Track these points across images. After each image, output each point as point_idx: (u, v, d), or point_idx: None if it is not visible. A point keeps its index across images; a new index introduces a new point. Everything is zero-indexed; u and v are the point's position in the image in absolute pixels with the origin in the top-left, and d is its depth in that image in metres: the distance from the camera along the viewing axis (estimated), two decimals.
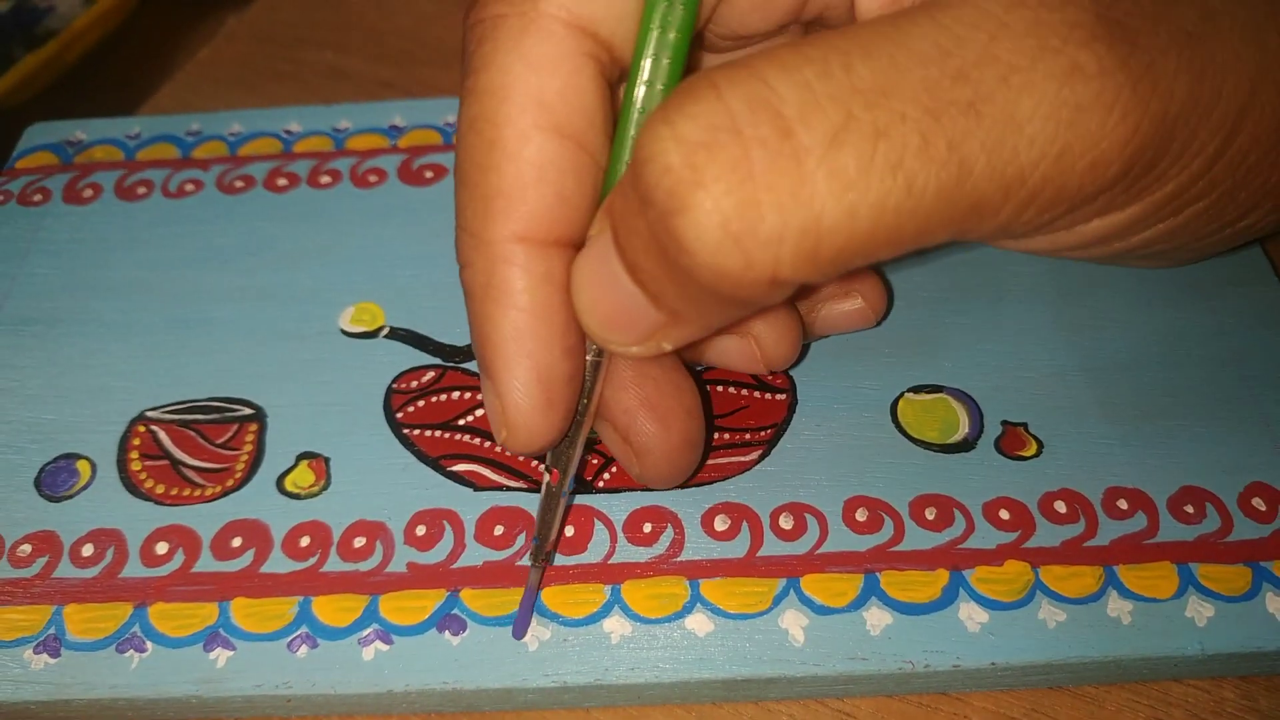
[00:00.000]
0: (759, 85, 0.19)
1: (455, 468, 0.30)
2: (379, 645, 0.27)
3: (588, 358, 0.25)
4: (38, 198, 0.38)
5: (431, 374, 0.32)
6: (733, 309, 0.22)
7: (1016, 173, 0.19)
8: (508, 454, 0.30)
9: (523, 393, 0.23)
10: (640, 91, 0.23)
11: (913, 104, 0.18)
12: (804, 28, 0.27)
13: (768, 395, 0.32)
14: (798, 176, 0.18)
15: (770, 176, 0.18)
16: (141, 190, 0.38)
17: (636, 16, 0.23)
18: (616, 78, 0.24)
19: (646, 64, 0.22)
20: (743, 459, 0.30)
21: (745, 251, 0.19)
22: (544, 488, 0.26)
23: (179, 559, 0.29)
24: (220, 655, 0.27)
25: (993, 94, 0.19)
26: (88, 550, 0.29)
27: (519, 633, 0.27)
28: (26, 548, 0.29)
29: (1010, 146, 0.19)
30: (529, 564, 0.27)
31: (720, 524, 0.29)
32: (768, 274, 0.19)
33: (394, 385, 0.32)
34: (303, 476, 0.30)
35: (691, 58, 0.24)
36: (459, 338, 0.33)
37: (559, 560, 0.28)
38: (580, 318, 0.23)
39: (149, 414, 0.32)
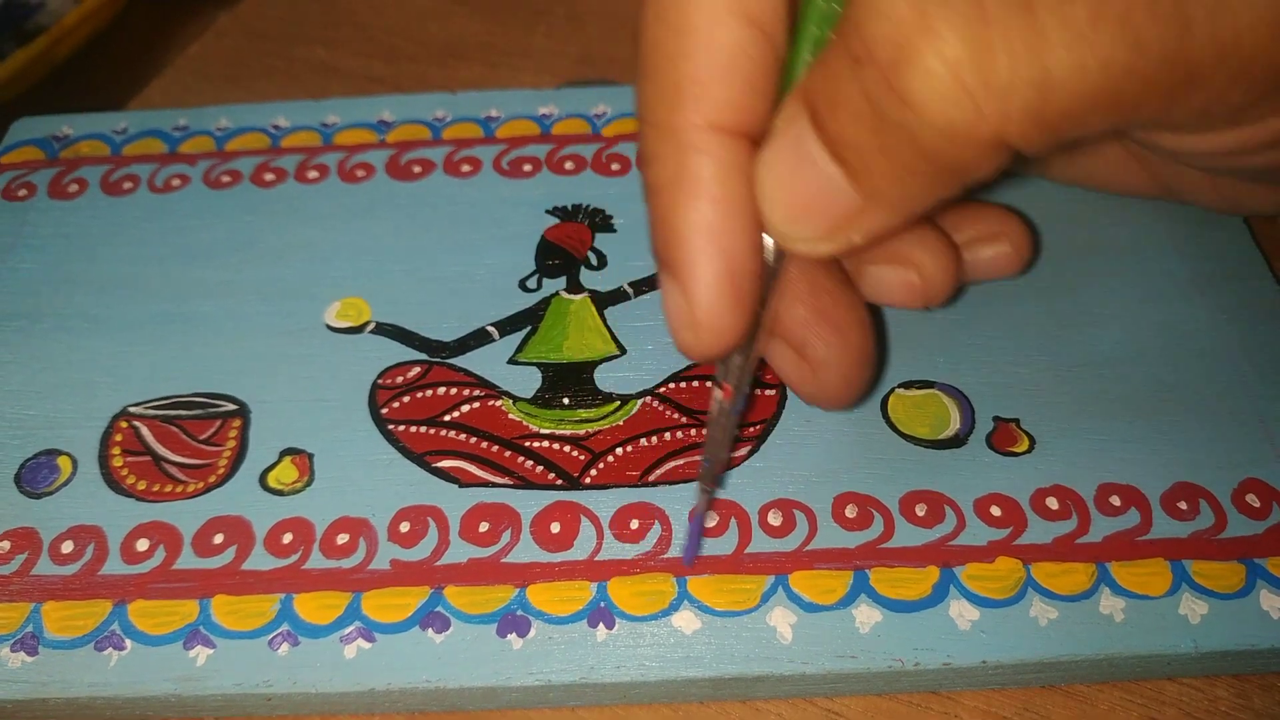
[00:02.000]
0: None
1: (440, 464, 0.30)
2: (361, 643, 0.27)
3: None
4: (23, 192, 0.37)
5: (417, 369, 0.32)
6: (941, 182, 0.21)
7: (1233, 37, 0.19)
8: (689, 357, 0.25)
9: (713, 287, 0.22)
10: None
11: None
12: None
13: (757, 391, 0.31)
14: (1031, 25, 0.18)
15: (1005, 23, 0.18)
16: (128, 185, 0.38)
17: None
18: None
19: None
20: (732, 455, 0.30)
21: (975, 103, 0.18)
22: (714, 405, 0.25)
23: (160, 556, 0.28)
24: (200, 653, 0.27)
25: None
26: (67, 547, 0.29)
27: (688, 559, 0.27)
28: (5, 544, 0.29)
29: (1230, 8, 0.19)
30: (697, 487, 0.27)
31: (709, 520, 0.29)
32: (993, 130, 0.19)
33: (379, 381, 0.32)
34: (286, 473, 0.30)
35: None
36: (445, 333, 0.33)
37: (544, 557, 0.28)
38: (764, 211, 0.22)
39: (131, 410, 0.31)
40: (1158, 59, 0.19)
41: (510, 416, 0.31)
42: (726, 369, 0.25)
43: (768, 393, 0.31)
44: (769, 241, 0.23)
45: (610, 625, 0.27)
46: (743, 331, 0.23)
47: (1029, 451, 0.30)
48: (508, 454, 0.30)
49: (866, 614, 0.27)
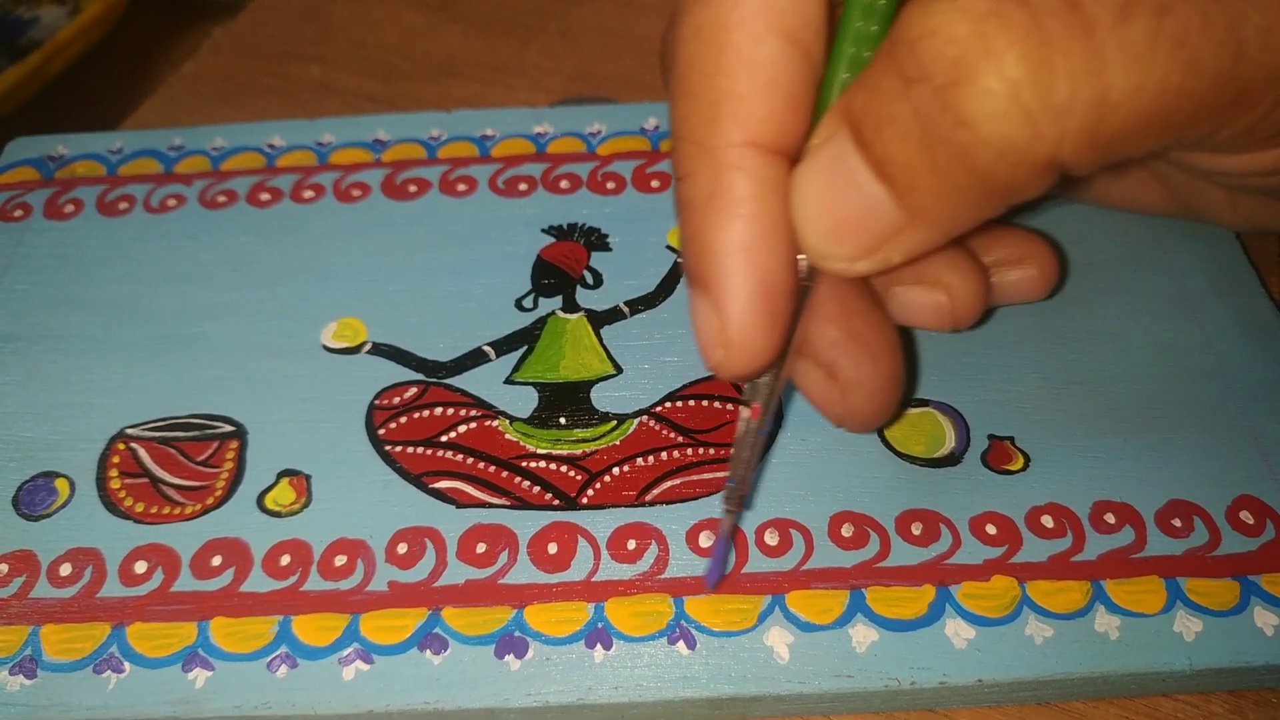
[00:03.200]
0: None
1: (437, 485, 0.30)
2: (360, 665, 0.27)
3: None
4: (18, 213, 0.38)
5: (414, 390, 0.32)
6: (988, 202, 0.21)
7: None
8: (719, 375, 0.26)
9: (747, 305, 0.22)
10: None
11: None
12: None
13: None
14: (1091, 46, 0.18)
15: (1065, 44, 0.18)
16: (123, 205, 0.38)
17: None
18: None
19: None
20: (728, 474, 0.30)
21: (1033, 122, 0.18)
22: (741, 425, 0.25)
23: (158, 578, 0.28)
24: (199, 675, 0.27)
25: None
26: (66, 569, 0.29)
27: (712, 582, 0.27)
28: (3, 567, 0.29)
29: None
30: (722, 508, 0.27)
31: (705, 540, 0.29)
32: (1049, 150, 0.19)
33: (376, 401, 0.32)
34: (283, 494, 0.30)
35: None
36: (441, 353, 0.33)
37: (541, 578, 0.28)
38: (801, 230, 0.22)
39: (129, 431, 0.31)
40: (1211, 80, 0.19)
41: (507, 437, 0.31)
42: (754, 389, 0.25)
43: None
44: (801, 260, 0.23)
45: (608, 646, 0.27)
46: (776, 350, 0.23)
47: (1024, 469, 0.30)
48: (505, 474, 0.30)
49: (863, 633, 0.27)
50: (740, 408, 0.25)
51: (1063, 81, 0.18)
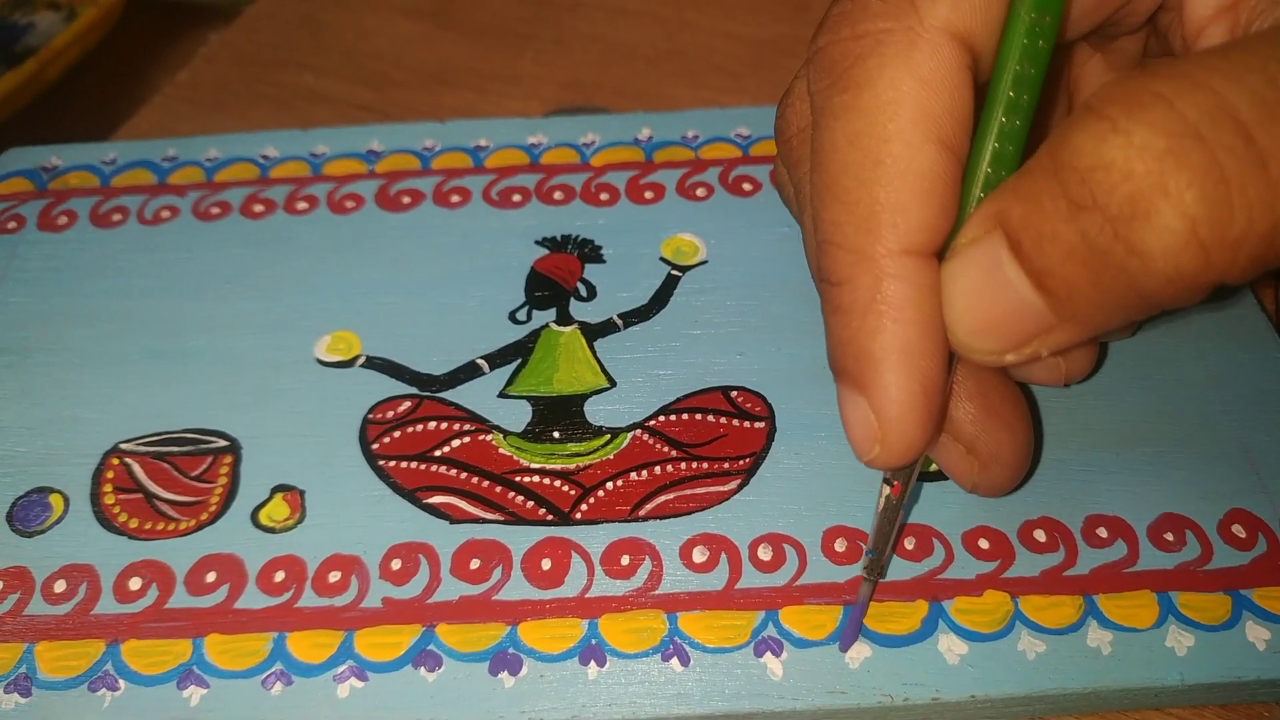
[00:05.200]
0: (1210, 94, 0.19)
1: (431, 500, 0.30)
2: (354, 682, 0.27)
3: None
4: (12, 225, 0.37)
5: (408, 404, 0.32)
6: (1145, 313, 0.21)
7: None
8: (872, 468, 0.25)
9: (908, 406, 0.23)
10: (1007, 97, 0.23)
11: None
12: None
13: (747, 424, 0.31)
14: (1266, 182, 0.19)
15: (1242, 182, 0.19)
16: (117, 217, 0.38)
17: (1002, 23, 0.23)
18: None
19: (1012, 73, 0.23)
20: (721, 489, 0.30)
21: (1207, 255, 0.19)
22: (882, 500, 0.26)
23: (152, 594, 0.28)
24: (194, 693, 0.27)
25: None
26: (60, 586, 0.29)
27: (845, 647, 0.27)
28: None
29: None
30: (862, 577, 0.27)
31: (699, 556, 0.29)
32: (1217, 277, 0.19)
33: (369, 416, 0.32)
34: (277, 510, 0.30)
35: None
36: (435, 366, 0.33)
37: (535, 594, 0.28)
38: (950, 325, 0.23)
39: (123, 446, 0.31)
40: None
41: (501, 451, 0.31)
42: (897, 470, 0.25)
43: (757, 425, 0.31)
44: None
45: (601, 663, 0.27)
46: (930, 441, 0.24)
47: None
48: (498, 489, 0.30)
49: (856, 649, 0.27)
50: (883, 484, 0.26)
51: (1239, 217, 0.19)
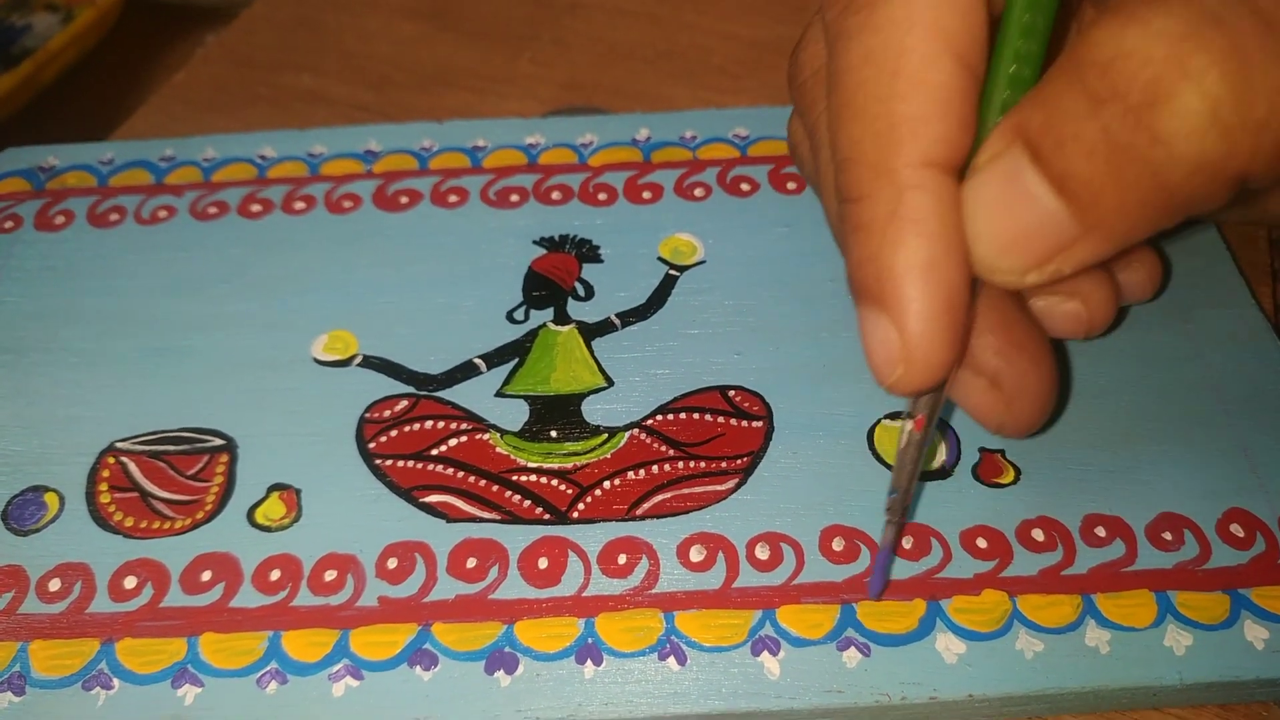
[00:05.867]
0: None
1: (427, 499, 0.30)
2: (349, 681, 0.27)
3: None
4: (9, 224, 0.37)
5: (404, 403, 0.32)
6: (1169, 215, 0.21)
7: None
8: (893, 393, 0.24)
9: (932, 321, 0.22)
10: (1022, 20, 0.22)
11: None
12: None
13: (744, 423, 0.31)
14: None
15: (1263, 63, 0.19)
16: (114, 217, 0.38)
17: None
18: None
19: None
20: (719, 488, 0.30)
21: (1230, 139, 0.19)
22: (905, 437, 0.25)
23: (148, 593, 0.28)
24: (189, 692, 0.27)
25: None
26: (55, 585, 0.29)
27: (875, 592, 0.27)
28: None
29: None
30: (885, 519, 0.27)
31: (696, 555, 0.29)
32: (1242, 164, 0.19)
33: (366, 415, 0.32)
34: (273, 509, 0.30)
35: None
36: (432, 365, 0.33)
37: (531, 593, 0.28)
38: (972, 244, 0.22)
39: (119, 445, 0.31)
40: None
41: (498, 450, 0.31)
42: (917, 402, 0.25)
43: (755, 424, 0.31)
44: None
45: (598, 662, 0.27)
46: (955, 362, 0.23)
47: (1014, 483, 0.30)
48: (495, 488, 0.30)
49: (853, 649, 0.27)
50: (904, 420, 0.25)
51: (1261, 98, 0.19)
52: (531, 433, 0.31)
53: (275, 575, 0.29)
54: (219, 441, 0.31)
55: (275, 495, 0.30)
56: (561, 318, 0.34)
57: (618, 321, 0.34)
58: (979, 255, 0.22)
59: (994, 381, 0.26)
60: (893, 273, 0.22)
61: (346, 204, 0.38)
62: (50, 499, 0.30)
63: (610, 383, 0.33)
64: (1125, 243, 0.22)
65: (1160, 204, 0.20)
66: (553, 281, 0.35)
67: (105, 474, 0.31)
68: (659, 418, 0.32)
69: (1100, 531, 0.29)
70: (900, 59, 0.22)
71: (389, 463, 0.31)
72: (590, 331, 0.34)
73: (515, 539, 0.29)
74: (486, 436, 0.31)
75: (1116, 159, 0.20)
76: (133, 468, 0.31)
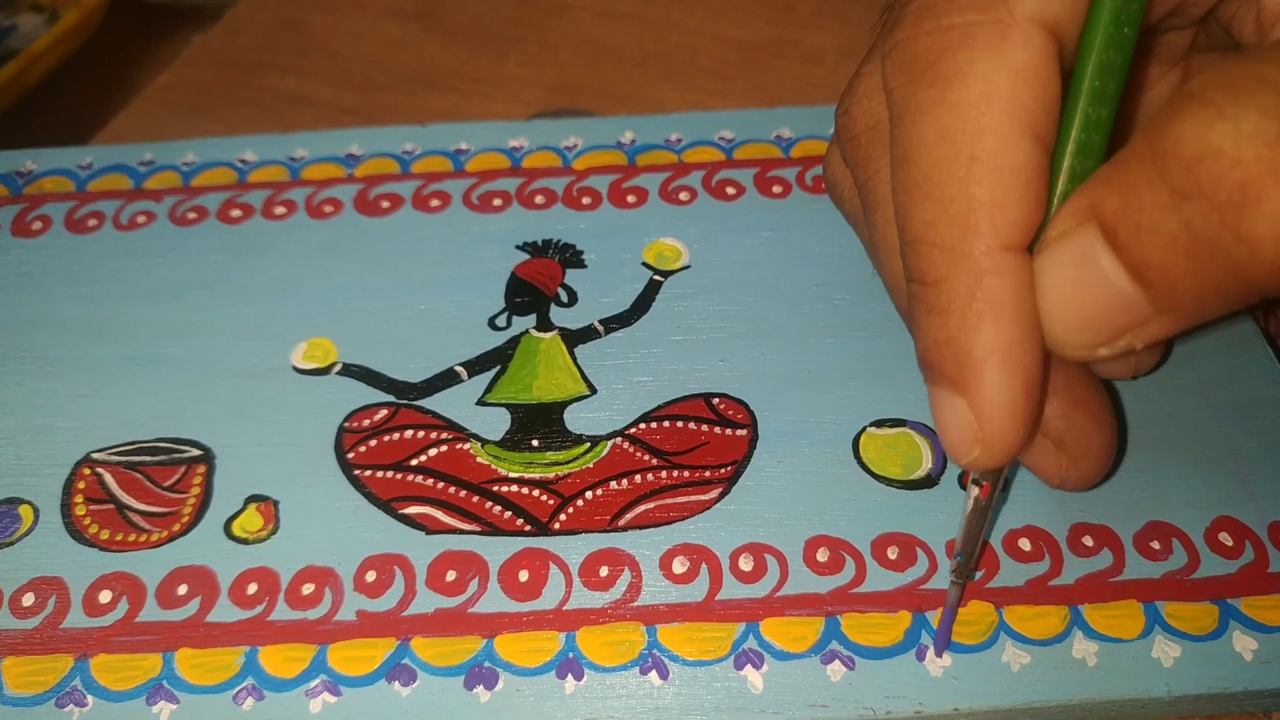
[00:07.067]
0: None
1: (407, 510, 0.29)
2: (327, 697, 0.26)
3: None
4: None
5: (384, 412, 0.32)
6: (1244, 303, 0.21)
7: None
8: (969, 470, 0.26)
9: (1010, 407, 0.22)
10: (1093, 86, 0.22)
11: None
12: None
13: (728, 431, 0.31)
14: None
15: None
16: (92, 223, 0.37)
17: (1086, 10, 0.22)
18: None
19: (1098, 61, 0.22)
20: (702, 497, 0.30)
21: None
22: (971, 503, 0.25)
23: (123, 608, 0.28)
24: (164, 708, 0.26)
25: None
26: (28, 599, 0.28)
27: (939, 651, 0.27)
28: None
29: None
30: (950, 579, 0.27)
31: (679, 566, 0.28)
32: None
33: (345, 424, 0.31)
34: (251, 520, 0.29)
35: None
36: (413, 373, 0.33)
37: (512, 607, 0.28)
38: (1045, 322, 0.22)
39: (95, 456, 0.31)
40: None
41: (478, 460, 0.31)
42: (986, 471, 0.25)
43: (739, 433, 0.31)
44: None
45: (579, 677, 0.27)
46: (1028, 440, 0.23)
47: (1002, 492, 0.30)
48: (476, 499, 0.30)
49: (838, 662, 0.27)
50: (970, 485, 0.25)
51: None
52: (513, 442, 0.31)
53: (252, 589, 0.28)
54: (196, 452, 0.31)
55: (253, 507, 0.30)
56: (544, 324, 0.34)
57: (601, 328, 0.34)
58: (1052, 332, 0.22)
59: (1059, 443, 0.26)
60: (971, 358, 0.22)
61: (327, 209, 0.37)
62: (25, 511, 0.30)
63: (593, 390, 0.32)
64: (1198, 322, 0.22)
65: (1237, 294, 0.20)
66: (536, 287, 0.35)
67: (81, 485, 0.30)
68: (642, 426, 0.31)
69: (1088, 541, 0.29)
70: (978, 141, 0.22)
71: (368, 473, 0.30)
72: (573, 338, 0.33)
73: (496, 551, 0.29)
74: (467, 446, 0.31)
75: (1197, 253, 0.20)
76: (109, 479, 0.30)
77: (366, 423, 0.31)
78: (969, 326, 0.22)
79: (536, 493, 0.30)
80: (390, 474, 0.30)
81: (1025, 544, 0.29)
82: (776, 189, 0.38)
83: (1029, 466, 0.27)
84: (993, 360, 0.22)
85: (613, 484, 0.30)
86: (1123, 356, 0.23)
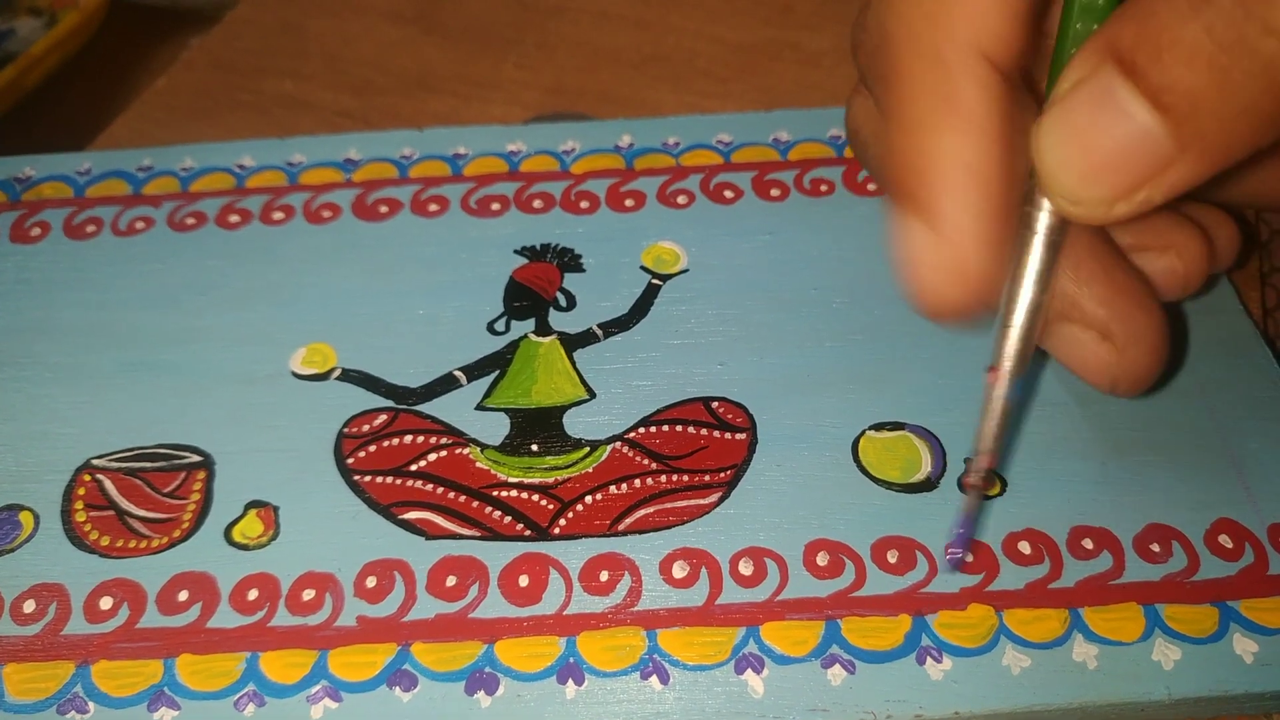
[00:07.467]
0: None
1: (406, 515, 0.30)
2: (328, 703, 0.26)
3: (1037, 236, 0.22)
4: None
5: (383, 417, 0.32)
6: (1271, 125, 0.20)
7: None
8: (926, 305, 0.23)
9: (974, 225, 0.21)
10: None
11: None
12: None
13: (728, 435, 0.31)
14: None
15: None
16: (90, 229, 0.37)
17: None
18: None
19: None
20: (702, 502, 0.30)
21: None
22: (984, 391, 0.24)
23: (124, 614, 0.28)
24: (165, 715, 0.26)
25: None
26: (29, 606, 0.28)
27: (954, 565, 0.27)
28: None
29: None
30: (968, 482, 0.26)
31: (679, 571, 0.28)
32: None
33: (345, 430, 0.31)
34: (251, 526, 0.29)
35: None
36: (412, 378, 0.33)
37: (512, 612, 0.28)
38: (1054, 175, 0.20)
39: (95, 462, 0.31)
40: None
41: (478, 465, 0.31)
42: (996, 351, 0.24)
43: (738, 436, 0.31)
44: (1043, 214, 0.22)
45: (580, 682, 0.27)
46: (993, 283, 0.22)
47: (1000, 494, 0.30)
48: (475, 504, 0.30)
49: (838, 666, 0.27)
50: (984, 374, 0.24)
51: None
52: (512, 447, 0.31)
53: (253, 595, 0.28)
54: (196, 458, 0.31)
55: (253, 513, 0.30)
56: (543, 328, 0.34)
57: (600, 332, 0.34)
58: (1063, 186, 0.20)
59: (1104, 333, 0.25)
60: (933, 166, 0.21)
61: (325, 214, 0.37)
62: (25, 518, 0.30)
63: (592, 395, 0.32)
64: (1222, 163, 0.20)
65: (1264, 110, 0.19)
66: (534, 291, 0.35)
67: (81, 492, 0.30)
68: (641, 430, 0.31)
69: (1087, 544, 0.29)
70: None
71: (368, 479, 0.30)
72: (572, 342, 0.33)
73: (495, 556, 0.29)
74: (466, 451, 0.31)
75: (1221, 59, 0.18)
76: (109, 485, 0.30)
77: (366, 428, 0.31)
78: (931, 129, 0.21)
79: (536, 497, 0.30)
80: (390, 479, 0.30)
81: (1025, 547, 0.29)
82: (775, 192, 0.38)
83: (1075, 367, 0.26)
84: (956, 171, 0.20)
85: (612, 488, 0.30)
86: (1145, 213, 0.21)
